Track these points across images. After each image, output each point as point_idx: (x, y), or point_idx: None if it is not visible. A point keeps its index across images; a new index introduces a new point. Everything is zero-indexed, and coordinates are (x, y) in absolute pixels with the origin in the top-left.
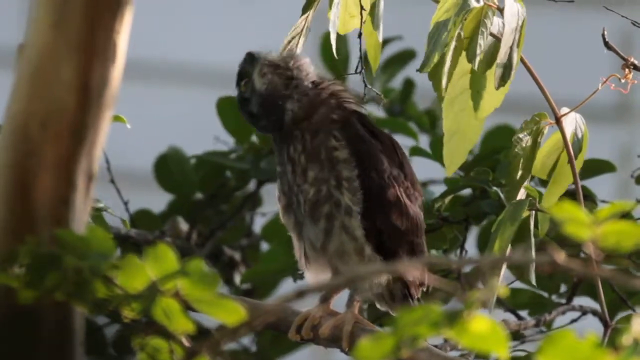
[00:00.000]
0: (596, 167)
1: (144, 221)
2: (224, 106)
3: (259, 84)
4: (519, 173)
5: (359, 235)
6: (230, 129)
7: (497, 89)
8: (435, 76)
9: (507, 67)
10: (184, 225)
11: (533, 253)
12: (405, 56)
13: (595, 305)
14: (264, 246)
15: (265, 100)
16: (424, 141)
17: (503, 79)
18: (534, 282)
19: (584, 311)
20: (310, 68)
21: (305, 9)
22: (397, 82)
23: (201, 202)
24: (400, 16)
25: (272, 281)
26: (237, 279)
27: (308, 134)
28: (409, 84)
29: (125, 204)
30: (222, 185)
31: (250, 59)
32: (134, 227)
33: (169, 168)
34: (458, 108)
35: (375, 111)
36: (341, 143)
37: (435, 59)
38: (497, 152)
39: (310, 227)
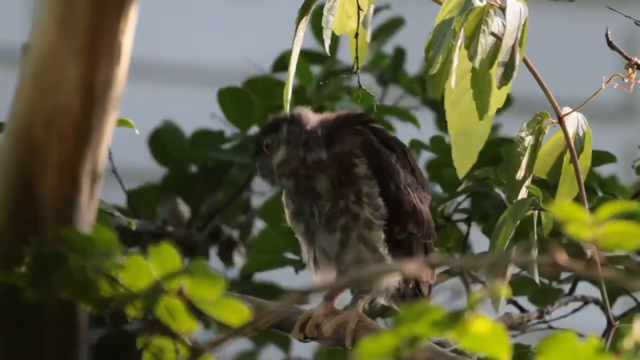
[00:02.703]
0: (596, 158)
1: (142, 202)
2: (225, 97)
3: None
4: (521, 173)
5: (379, 247)
6: (232, 118)
7: (499, 88)
8: (434, 77)
9: (509, 66)
10: (183, 208)
11: (535, 253)
12: (394, 24)
13: (597, 293)
14: (259, 224)
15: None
16: (423, 119)
17: (505, 78)
18: (537, 281)
19: (585, 301)
20: (309, 115)
21: (301, 14)
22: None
23: (195, 175)
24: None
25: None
26: (236, 258)
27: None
28: (399, 52)
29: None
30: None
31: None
32: (133, 210)
33: (164, 142)
34: (462, 109)
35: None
36: (361, 160)
37: (441, 59)
38: (498, 145)
39: (324, 237)
